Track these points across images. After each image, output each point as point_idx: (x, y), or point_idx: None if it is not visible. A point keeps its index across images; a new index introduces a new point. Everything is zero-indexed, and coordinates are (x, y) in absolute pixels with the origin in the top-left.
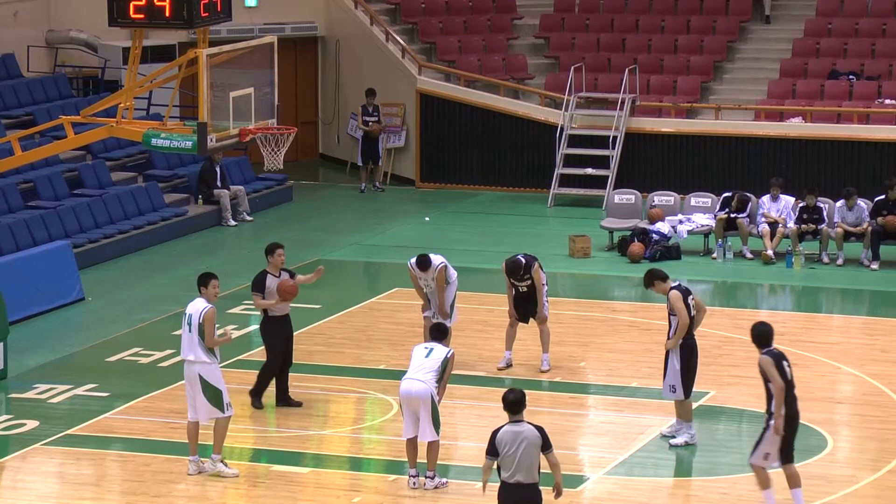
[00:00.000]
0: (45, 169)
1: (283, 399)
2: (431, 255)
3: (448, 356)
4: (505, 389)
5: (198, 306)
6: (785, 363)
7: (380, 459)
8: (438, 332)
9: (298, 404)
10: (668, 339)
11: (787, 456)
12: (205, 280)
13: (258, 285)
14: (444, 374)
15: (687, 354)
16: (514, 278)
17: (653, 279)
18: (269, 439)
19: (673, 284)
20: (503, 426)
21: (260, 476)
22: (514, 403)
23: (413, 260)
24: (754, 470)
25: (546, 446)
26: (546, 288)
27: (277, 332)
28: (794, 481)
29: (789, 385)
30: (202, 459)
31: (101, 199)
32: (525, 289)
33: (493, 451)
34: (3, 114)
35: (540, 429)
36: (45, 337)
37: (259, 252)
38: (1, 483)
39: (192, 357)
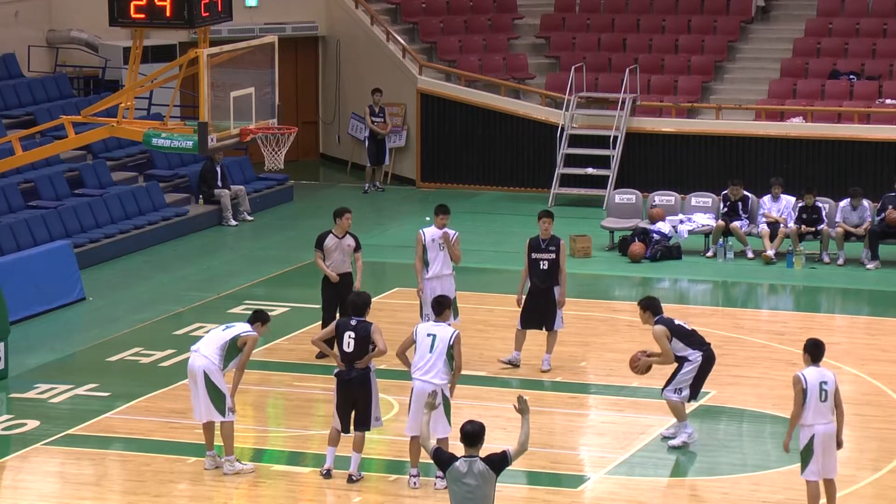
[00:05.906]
0: (46, 169)
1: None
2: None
3: (452, 341)
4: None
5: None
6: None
7: (380, 459)
8: (439, 305)
9: None
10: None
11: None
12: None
13: (319, 242)
14: (455, 362)
15: (706, 363)
16: (537, 251)
17: (646, 308)
18: (269, 439)
19: (655, 319)
20: (457, 460)
21: (261, 476)
22: (469, 436)
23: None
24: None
25: (500, 468)
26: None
27: (331, 289)
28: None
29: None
30: (218, 456)
31: (102, 199)
32: (546, 264)
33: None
34: (4, 113)
35: (491, 461)
36: (45, 337)
37: (259, 251)
38: (1, 483)
39: (203, 352)
